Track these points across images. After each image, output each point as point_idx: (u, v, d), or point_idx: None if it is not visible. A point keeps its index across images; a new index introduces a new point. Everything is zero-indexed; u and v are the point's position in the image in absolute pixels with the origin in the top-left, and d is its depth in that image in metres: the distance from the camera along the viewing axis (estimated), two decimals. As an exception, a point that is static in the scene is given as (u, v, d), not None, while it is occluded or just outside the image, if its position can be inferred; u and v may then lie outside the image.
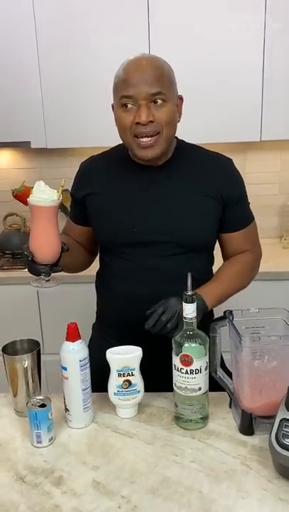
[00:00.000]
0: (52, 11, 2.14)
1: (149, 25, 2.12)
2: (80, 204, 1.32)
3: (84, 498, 0.90)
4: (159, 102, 1.15)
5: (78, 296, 2.08)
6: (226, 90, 2.17)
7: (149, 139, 1.16)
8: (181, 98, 1.24)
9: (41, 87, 2.23)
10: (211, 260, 1.35)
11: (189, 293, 1.03)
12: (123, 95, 1.16)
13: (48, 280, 1.13)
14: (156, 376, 1.15)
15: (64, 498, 0.90)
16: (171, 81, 1.20)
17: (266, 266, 2.12)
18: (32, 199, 1.09)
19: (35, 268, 1.13)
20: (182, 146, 1.29)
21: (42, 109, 2.24)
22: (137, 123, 1.15)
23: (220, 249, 1.37)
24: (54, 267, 1.14)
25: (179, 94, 1.23)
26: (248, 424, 1.05)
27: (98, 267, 1.40)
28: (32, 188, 1.10)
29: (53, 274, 1.14)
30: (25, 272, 2.37)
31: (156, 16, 2.11)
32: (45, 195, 1.08)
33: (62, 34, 2.16)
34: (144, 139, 1.16)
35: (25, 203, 1.14)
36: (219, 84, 2.16)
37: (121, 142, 1.32)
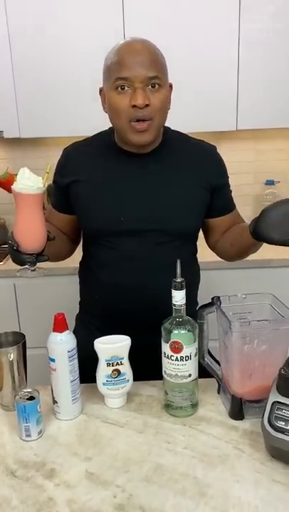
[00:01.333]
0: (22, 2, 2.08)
1: (124, 12, 2.09)
2: (63, 192, 1.28)
3: (78, 490, 0.88)
4: (156, 86, 1.13)
5: (55, 288, 2.06)
6: (200, 78, 2.16)
7: (144, 123, 1.14)
8: (170, 86, 1.22)
9: (13, 76, 2.16)
10: (195, 249, 1.36)
11: (178, 280, 1.02)
12: (118, 77, 1.13)
13: (34, 270, 1.10)
14: (142, 366, 1.14)
15: (57, 490, 0.88)
16: (165, 67, 1.18)
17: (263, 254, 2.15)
18: (16, 186, 1.05)
19: (20, 257, 1.09)
20: (169, 133, 1.27)
21: (15, 99, 2.19)
22: (134, 106, 1.12)
23: (205, 237, 1.37)
24: (39, 256, 1.10)
25: (169, 82, 1.21)
26: (238, 409, 1.05)
27: (78, 257, 1.38)
28: (16, 175, 1.06)
29: (38, 264, 1.11)
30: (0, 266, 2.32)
31: (130, 3, 2.08)
32: (31, 182, 1.04)
33: (35, 21, 2.11)
34: (139, 123, 1.14)
35: (10, 190, 1.10)
36: (194, 73, 2.15)
37: (100, 131, 1.30)
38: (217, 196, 1.29)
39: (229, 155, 2.47)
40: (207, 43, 2.14)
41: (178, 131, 1.31)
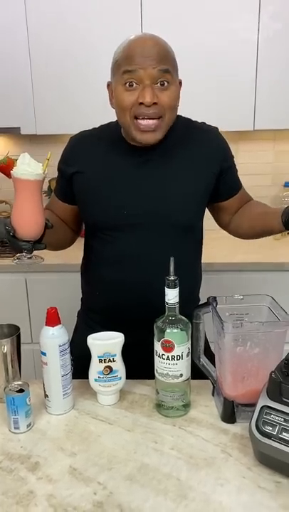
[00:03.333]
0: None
1: (142, 11, 2.08)
2: (67, 181, 1.27)
3: (59, 485, 0.88)
4: (165, 83, 1.12)
5: (67, 284, 2.06)
6: (218, 77, 2.14)
7: (152, 121, 1.12)
8: (180, 83, 1.20)
9: (31, 73, 2.19)
10: (200, 243, 1.34)
11: (172, 278, 1.01)
12: (126, 70, 1.11)
13: (30, 257, 1.09)
14: (143, 364, 1.12)
15: (39, 483, 0.88)
16: (175, 63, 1.17)
17: (257, 257, 2.13)
18: (16, 172, 1.04)
19: (17, 244, 1.08)
20: (174, 123, 1.22)
21: (32, 95, 2.21)
22: (140, 103, 1.10)
23: (215, 218, 1.36)
24: (37, 243, 1.10)
25: (179, 78, 1.19)
26: (229, 412, 1.03)
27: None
28: (16, 160, 1.06)
29: (35, 252, 1.10)
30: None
31: (149, 3, 2.08)
32: (30, 168, 1.04)
33: (54, 19, 2.12)
34: (145, 122, 1.12)
35: (9, 175, 1.09)
36: (211, 71, 2.13)
37: (110, 121, 1.28)
38: (225, 178, 1.28)
39: (247, 156, 2.49)
40: (225, 41, 2.11)
41: (179, 115, 1.26)
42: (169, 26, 2.07)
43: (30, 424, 1.03)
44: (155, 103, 1.11)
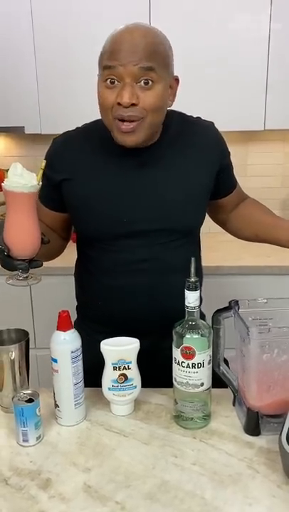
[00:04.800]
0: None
1: (150, 10, 2.03)
2: (55, 188, 1.15)
3: (73, 504, 0.81)
4: (149, 82, 1.01)
5: (72, 287, 1.99)
6: (229, 77, 2.09)
7: (130, 123, 1.02)
8: (176, 79, 1.10)
9: (36, 71, 2.13)
10: (199, 245, 1.28)
11: (192, 279, 0.94)
12: (106, 65, 1.01)
13: (26, 277, 0.98)
14: (149, 372, 1.06)
15: (51, 502, 0.81)
16: (166, 58, 1.05)
17: (268, 260, 2.07)
18: (8, 184, 0.93)
19: (12, 264, 0.97)
20: (168, 121, 1.14)
21: (37, 94, 2.15)
22: (119, 104, 1.01)
23: (211, 215, 1.32)
24: (32, 261, 0.98)
25: (174, 75, 1.09)
26: (254, 424, 0.96)
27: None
28: (7, 171, 0.96)
29: (31, 270, 0.99)
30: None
31: (157, 2, 2.03)
32: (24, 179, 0.93)
33: (58, 18, 2.07)
34: (125, 124, 1.02)
35: (0, 187, 0.99)
36: (222, 71, 2.07)
37: (97, 118, 1.17)
38: (222, 176, 1.22)
39: (257, 157, 2.43)
40: (236, 40, 2.06)
41: (173, 111, 1.17)
42: (178, 24, 2.04)
43: (39, 437, 0.96)
44: (134, 104, 1.00)
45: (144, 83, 1.01)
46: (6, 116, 2.17)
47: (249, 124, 2.15)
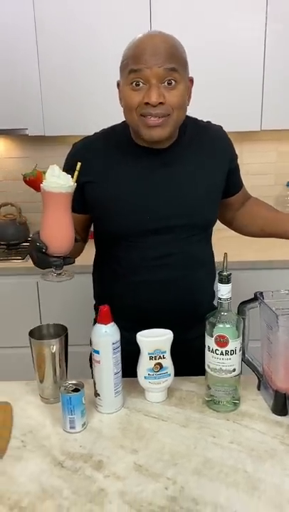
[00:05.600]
0: (51, -4, 2.10)
1: (151, 10, 2.10)
2: (77, 191, 1.18)
3: (128, 481, 0.88)
4: (173, 83, 1.09)
5: (79, 286, 2.04)
6: (226, 78, 2.17)
7: (157, 119, 1.10)
8: (191, 80, 1.19)
9: (39, 73, 2.17)
10: (211, 239, 1.36)
11: (225, 273, 1.02)
12: (132, 69, 1.08)
13: (60, 273, 1.04)
14: (176, 362, 1.13)
15: (108, 481, 0.88)
16: (185, 60, 1.14)
17: (263, 255, 2.15)
18: (46, 185, 0.99)
19: (48, 260, 1.03)
20: (184, 124, 1.21)
21: (40, 96, 2.19)
22: (146, 103, 1.09)
23: (219, 215, 1.36)
24: (66, 258, 1.04)
25: (190, 75, 1.18)
26: (281, 404, 1.04)
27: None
28: (45, 173, 1.02)
29: (64, 267, 1.05)
30: (21, 263, 2.33)
31: (157, 4, 2.09)
32: (61, 180, 1.00)
33: (61, 19, 2.12)
34: (152, 118, 1.10)
35: (38, 188, 1.04)
36: (218, 71, 2.15)
37: (117, 123, 1.25)
38: (232, 176, 1.32)
39: (251, 156, 2.52)
40: (233, 41, 2.14)
41: (187, 116, 1.24)
42: (176, 25, 2.09)
43: (84, 424, 1.02)
44: (161, 103, 1.08)
45: (168, 83, 1.09)
46: (9, 118, 2.21)
47: (246, 125, 2.24)
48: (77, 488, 0.87)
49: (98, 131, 1.28)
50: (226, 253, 1.02)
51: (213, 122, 1.32)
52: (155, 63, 1.07)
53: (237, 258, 2.12)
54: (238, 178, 1.37)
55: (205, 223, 1.27)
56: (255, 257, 2.16)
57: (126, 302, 1.28)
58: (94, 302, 1.40)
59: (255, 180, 2.54)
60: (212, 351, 1.04)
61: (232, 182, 1.33)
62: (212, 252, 1.37)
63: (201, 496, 0.84)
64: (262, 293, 1.11)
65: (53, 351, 1.08)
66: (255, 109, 2.22)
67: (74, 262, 1.08)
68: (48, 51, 2.15)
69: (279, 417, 1.05)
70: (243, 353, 1.13)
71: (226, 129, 2.23)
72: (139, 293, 1.26)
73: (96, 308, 1.38)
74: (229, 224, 1.45)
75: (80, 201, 1.23)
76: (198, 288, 1.26)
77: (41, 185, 1.01)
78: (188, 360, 1.18)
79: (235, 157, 1.33)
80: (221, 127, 1.32)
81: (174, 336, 1.10)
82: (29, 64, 2.16)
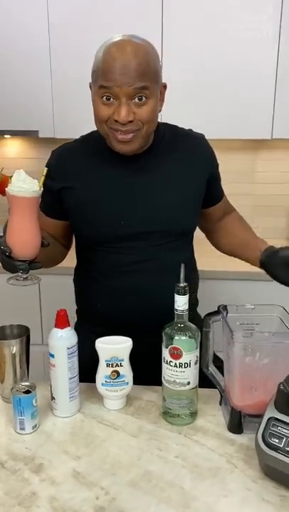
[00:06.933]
0: (64, 1, 2.13)
1: (163, 15, 2.10)
2: (54, 197, 1.22)
3: (62, 487, 0.88)
4: (143, 99, 1.07)
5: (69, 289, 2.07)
6: (238, 86, 2.14)
7: (127, 134, 1.10)
8: (164, 86, 1.17)
9: (51, 76, 2.22)
10: (192, 247, 1.34)
11: (182, 284, 1.00)
12: (102, 85, 1.07)
13: (26, 278, 1.05)
14: (147, 371, 1.12)
15: (42, 485, 0.88)
16: (156, 74, 1.11)
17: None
18: (11, 189, 1.00)
19: (13, 264, 1.03)
20: (160, 128, 1.22)
21: (51, 99, 2.23)
22: (116, 121, 1.08)
23: (199, 223, 1.35)
24: (33, 263, 1.05)
25: (163, 82, 1.15)
26: (236, 423, 1.02)
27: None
28: (11, 177, 1.03)
29: (31, 271, 1.06)
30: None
31: (169, 7, 2.09)
32: (26, 185, 1.00)
33: (74, 22, 2.15)
34: (122, 134, 1.10)
35: (3, 192, 1.06)
36: (230, 78, 2.13)
37: (92, 131, 1.24)
38: (211, 186, 1.29)
39: (263, 165, 2.47)
40: (245, 49, 2.11)
41: (165, 123, 1.26)
42: (189, 34, 2.10)
43: (35, 426, 1.03)
44: (131, 121, 1.08)
45: (139, 99, 1.08)
46: (21, 120, 2.26)
47: (257, 133, 2.20)
48: (11, 489, 0.87)
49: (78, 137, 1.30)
50: (183, 263, 1.01)
51: (210, 132, 1.30)
52: (126, 82, 1.06)
53: (232, 268, 2.09)
54: (217, 188, 1.34)
55: (181, 230, 1.26)
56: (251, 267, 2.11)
57: (100, 308, 1.28)
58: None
59: (266, 189, 2.51)
60: (167, 363, 1.03)
61: (211, 191, 1.31)
62: (193, 259, 1.35)
63: (129, 508, 0.83)
64: (226, 306, 1.08)
65: (13, 352, 1.09)
66: (266, 118, 2.17)
67: (41, 267, 1.08)
68: (60, 55, 2.19)
69: (234, 435, 1.02)
70: (207, 366, 1.11)
71: (238, 136, 2.21)
72: (112, 299, 1.25)
73: (77, 313, 1.39)
74: (207, 235, 1.42)
75: (58, 207, 1.25)
76: (172, 296, 1.24)
77: (6, 189, 1.03)
78: (160, 369, 1.16)
79: (215, 166, 1.31)
80: (203, 136, 1.30)
81: (147, 345, 1.10)
82: (41, 68, 2.20)
